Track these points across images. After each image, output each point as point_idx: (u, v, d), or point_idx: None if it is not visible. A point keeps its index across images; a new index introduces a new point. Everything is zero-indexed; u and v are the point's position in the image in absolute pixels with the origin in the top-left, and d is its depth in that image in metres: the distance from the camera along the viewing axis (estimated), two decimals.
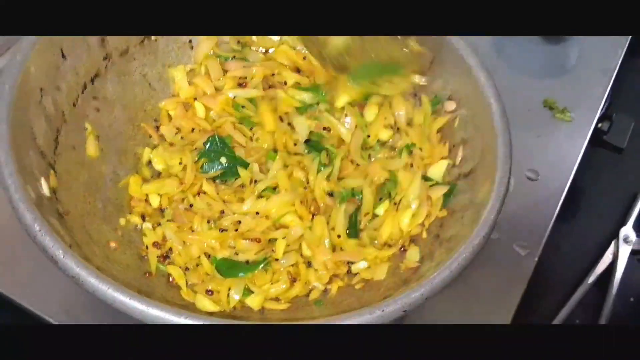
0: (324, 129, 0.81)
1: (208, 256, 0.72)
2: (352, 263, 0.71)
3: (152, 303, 0.54)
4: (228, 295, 0.68)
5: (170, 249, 0.72)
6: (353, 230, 0.74)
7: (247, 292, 0.68)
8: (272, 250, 0.72)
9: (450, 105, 0.76)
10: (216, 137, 0.78)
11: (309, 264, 0.72)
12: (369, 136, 0.81)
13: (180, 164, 0.77)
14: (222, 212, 0.74)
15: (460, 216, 0.68)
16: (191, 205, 0.75)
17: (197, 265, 0.71)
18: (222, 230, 0.73)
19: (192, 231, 0.72)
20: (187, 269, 0.71)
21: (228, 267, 0.70)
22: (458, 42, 0.74)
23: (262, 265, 0.70)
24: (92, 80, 0.75)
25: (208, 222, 0.73)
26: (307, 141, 0.81)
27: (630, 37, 1.10)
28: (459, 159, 0.74)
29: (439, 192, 0.73)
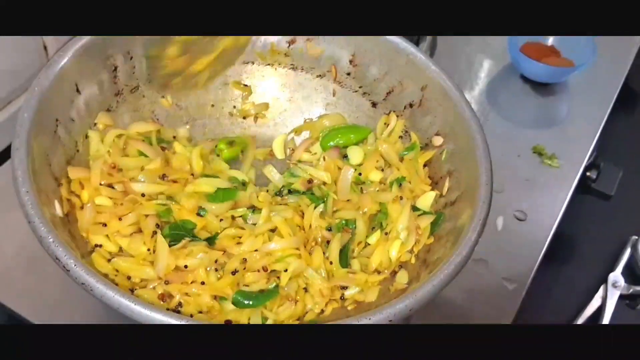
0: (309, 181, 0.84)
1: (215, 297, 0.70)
2: (346, 289, 0.74)
3: (156, 309, 0.56)
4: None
5: (180, 303, 0.69)
6: (343, 259, 0.76)
7: (264, 319, 0.69)
8: (277, 277, 0.73)
9: (438, 140, 0.80)
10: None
11: (305, 290, 0.74)
12: (360, 174, 0.83)
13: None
14: (216, 261, 0.73)
15: (445, 241, 0.71)
16: (186, 267, 0.71)
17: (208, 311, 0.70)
18: (234, 273, 0.72)
19: (202, 283, 0.70)
20: (200, 311, 0.69)
21: (245, 298, 0.70)
22: (445, 82, 0.79)
23: (276, 293, 0.71)
24: None
25: (216, 270, 0.72)
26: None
27: (617, 93, 1.15)
28: (445, 189, 0.78)
29: (427, 221, 0.75)
